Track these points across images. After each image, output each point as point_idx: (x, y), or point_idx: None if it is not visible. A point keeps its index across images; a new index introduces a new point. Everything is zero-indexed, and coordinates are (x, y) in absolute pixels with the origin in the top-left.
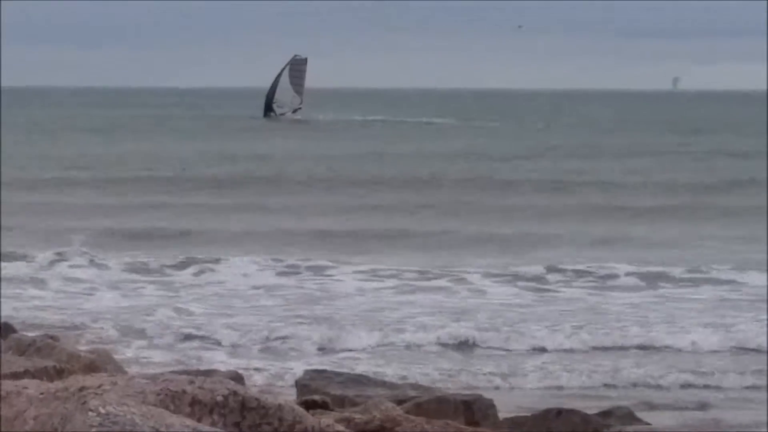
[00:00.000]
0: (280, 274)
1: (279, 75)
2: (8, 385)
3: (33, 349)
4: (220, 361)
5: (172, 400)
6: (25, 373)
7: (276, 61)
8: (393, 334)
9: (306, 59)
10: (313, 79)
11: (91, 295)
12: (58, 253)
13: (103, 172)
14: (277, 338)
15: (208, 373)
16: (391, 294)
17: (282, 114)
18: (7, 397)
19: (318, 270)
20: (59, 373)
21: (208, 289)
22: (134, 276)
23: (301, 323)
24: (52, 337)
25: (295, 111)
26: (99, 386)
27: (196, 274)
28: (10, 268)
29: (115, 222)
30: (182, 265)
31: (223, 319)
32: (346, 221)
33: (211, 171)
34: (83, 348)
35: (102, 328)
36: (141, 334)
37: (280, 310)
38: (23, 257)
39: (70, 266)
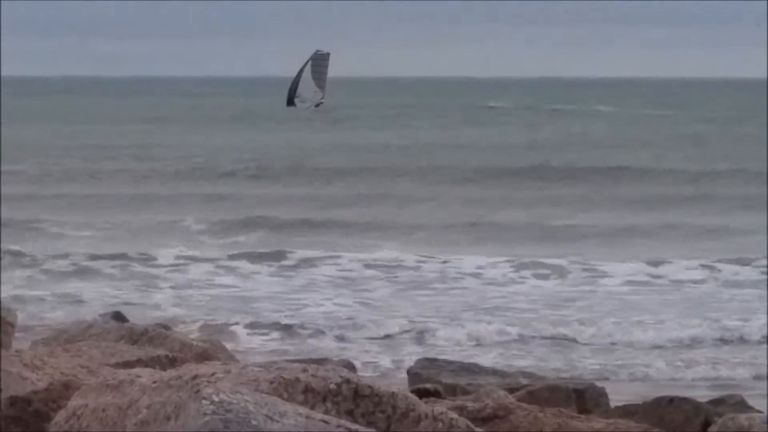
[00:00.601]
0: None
1: (301, 69)
2: (121, 373)
3: (145, 338)
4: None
5: (285, 388)
6: (138, 362)
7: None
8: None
9: (328, 54)
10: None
11: (208, 284)
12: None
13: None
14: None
15: (321, 361)
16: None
17: (304, 107)
18: (120, 385)
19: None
20: (172, 362)
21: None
22: (246, 264)
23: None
24: (164, 326)
25: (317, 105)
26: (212, 374)
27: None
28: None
29: (245, 211)
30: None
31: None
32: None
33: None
34: (195, 337)
35: (213, 319)
36: (254, 323)
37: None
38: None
39: (189, 256)
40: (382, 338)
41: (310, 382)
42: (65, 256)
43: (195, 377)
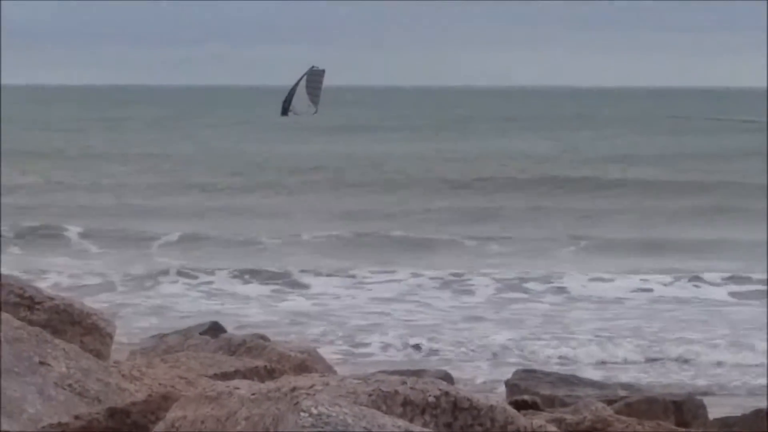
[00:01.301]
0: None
1: (296, 83)
2: (220, 385)
3: (243, 349)
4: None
5: (384, 400)
6: (236, 373)
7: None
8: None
9: (323, 71)
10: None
11: (301, 295)
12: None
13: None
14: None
15: (419, 373)
16: None
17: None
18: (219, 397)
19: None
20: (270, 373)
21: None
22: (337, 280)
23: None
24: (262, 337)
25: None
26: (311, 386)
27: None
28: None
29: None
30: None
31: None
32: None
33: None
34: (293, 348)
35: (301, 331)
36: (352, 337)
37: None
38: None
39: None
40: (477, 350)
41: (408, 395)
42: (165, 270)
43: (294, 389)
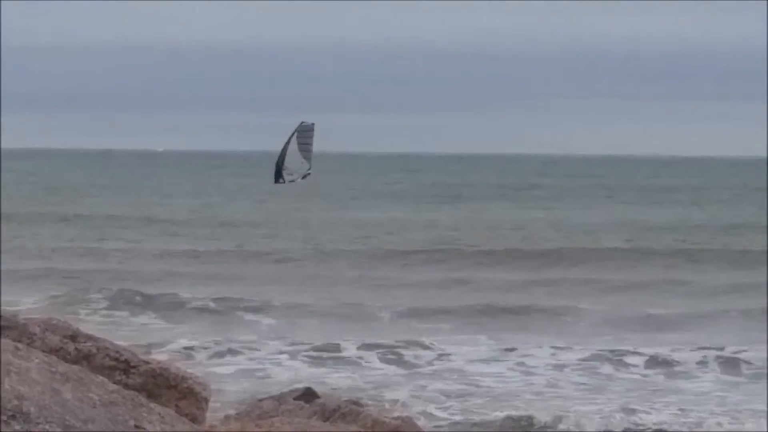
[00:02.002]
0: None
1: (287, 142)
2: None
3: (338, 415)
4: None
5: None
6: None
7: None
8: None
9: (313, 125)
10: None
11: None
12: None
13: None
14: None
15: None
16: None
17: (291, 181)
18: None
19: None
20: None
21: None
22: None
23: None
24: (356, 403)
25: (304, 177)
26: None
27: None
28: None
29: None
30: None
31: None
32: None
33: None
34: (388, 414)
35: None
36: (443, 401)
37: None
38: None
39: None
40: None
41: None
42: (255, 343)
43: None
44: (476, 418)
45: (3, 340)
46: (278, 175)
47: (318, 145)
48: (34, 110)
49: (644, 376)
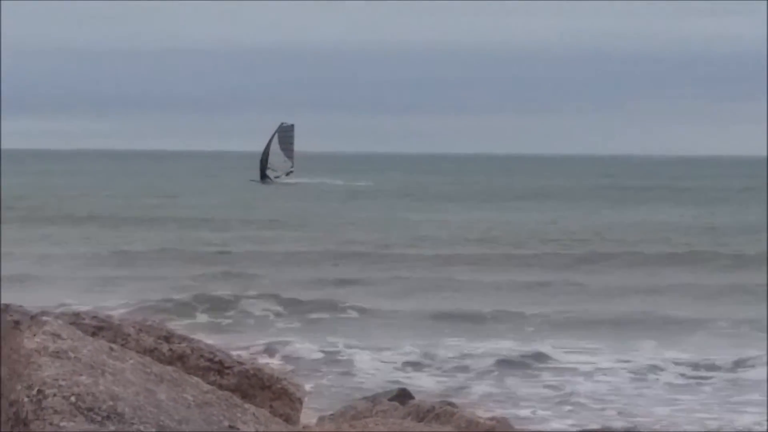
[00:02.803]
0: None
1: (269, 141)
2: None
3: (432, 416)
4: None
5: None
6: None
7: None
8: None
9: (293, 125)
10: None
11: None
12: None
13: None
14: None
15: None
16: None
17: (276, 177)
18: None
19: None
20: None
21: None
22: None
23: None
24: (450, 404)
25: (287, 174)
26: None
27: None
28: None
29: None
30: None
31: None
32: None
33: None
34: (483, 414)
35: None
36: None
37: None
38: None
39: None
40: None
41: None
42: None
43: None
44: (572, 421)
45: (98, 341)
46: (263, 174)
47: (421, 146)
48: (165, 112)
49: None
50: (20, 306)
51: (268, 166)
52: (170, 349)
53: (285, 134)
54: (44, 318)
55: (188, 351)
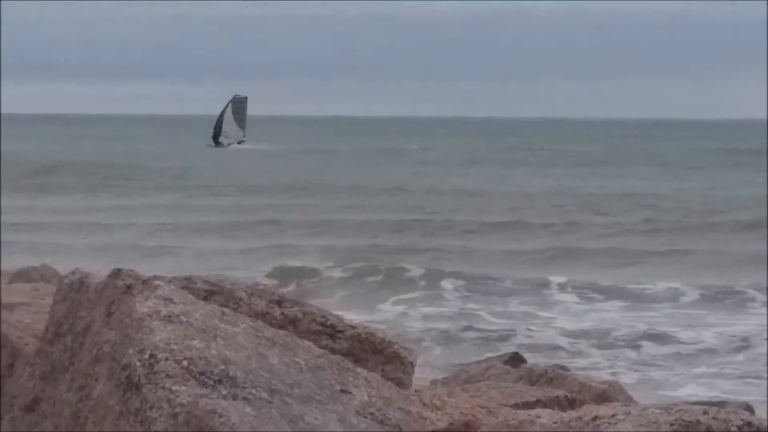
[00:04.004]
0: None
1: (223, 111)
2: (521, 414)
3: (545, 379)
4: None
5: (685, 429)
6: (537, 403)
7: None
8: None
9: (246, 98)
10: None
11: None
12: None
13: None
14: None
15: (720, 403)
16: None
17: (229, 144)
18: (521, 426)
19: None
20: (571, 403)
21: None
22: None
23: None
24: (562, 367)
25: (239, 143)
26: (612, 416)
27: None
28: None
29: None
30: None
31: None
32: None
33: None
34: (595, 378)
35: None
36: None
37: None
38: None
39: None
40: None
41: (710, 425)
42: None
43: (595, 418)
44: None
45: (210, 305)
46: (216, 140)
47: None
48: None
49: None
50: (132, 270)
51: (223, 132)
52: (282, 313)
53: (238, 105)
54: (156, 282)
55: (300, 315)
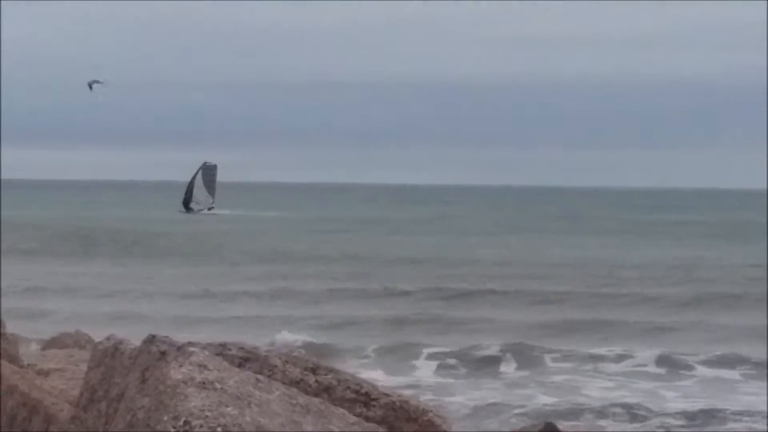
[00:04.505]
0: None
1: (194, 177)
2: None
3: None
4: None
5: None
6: None
7: None
8: None
9: (216, 166)
10: None
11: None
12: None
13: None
14: None
15: None
16: None
17: (199, 210)
18: None
19: None
20: None
21: None
22: None
23: None
24: None
25: (209, 209)
26: None
27: None
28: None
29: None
30: None
31: None
32: None
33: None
34: None
35: None
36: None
37: None
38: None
39: None
40: None
41: None
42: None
43: None
44: None
45: (244, 372)
46: (186, 206)
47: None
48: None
49: None
50: (166, 336)
51: (193, 198)
52: (317, 381)
53: (208, 172)
54: (191, 349)
55: (334, 382)
